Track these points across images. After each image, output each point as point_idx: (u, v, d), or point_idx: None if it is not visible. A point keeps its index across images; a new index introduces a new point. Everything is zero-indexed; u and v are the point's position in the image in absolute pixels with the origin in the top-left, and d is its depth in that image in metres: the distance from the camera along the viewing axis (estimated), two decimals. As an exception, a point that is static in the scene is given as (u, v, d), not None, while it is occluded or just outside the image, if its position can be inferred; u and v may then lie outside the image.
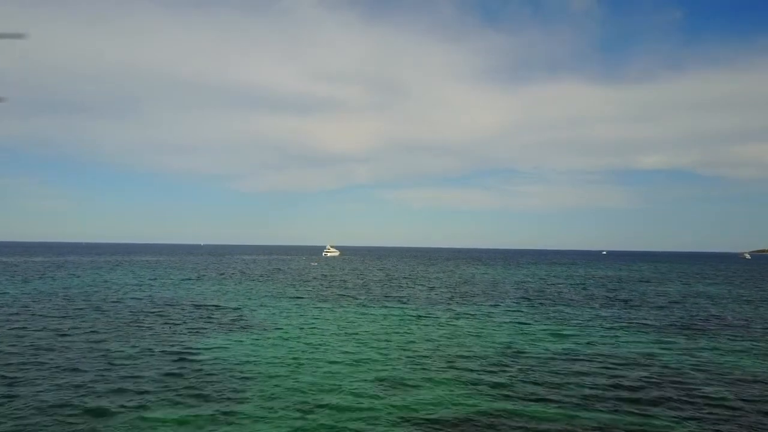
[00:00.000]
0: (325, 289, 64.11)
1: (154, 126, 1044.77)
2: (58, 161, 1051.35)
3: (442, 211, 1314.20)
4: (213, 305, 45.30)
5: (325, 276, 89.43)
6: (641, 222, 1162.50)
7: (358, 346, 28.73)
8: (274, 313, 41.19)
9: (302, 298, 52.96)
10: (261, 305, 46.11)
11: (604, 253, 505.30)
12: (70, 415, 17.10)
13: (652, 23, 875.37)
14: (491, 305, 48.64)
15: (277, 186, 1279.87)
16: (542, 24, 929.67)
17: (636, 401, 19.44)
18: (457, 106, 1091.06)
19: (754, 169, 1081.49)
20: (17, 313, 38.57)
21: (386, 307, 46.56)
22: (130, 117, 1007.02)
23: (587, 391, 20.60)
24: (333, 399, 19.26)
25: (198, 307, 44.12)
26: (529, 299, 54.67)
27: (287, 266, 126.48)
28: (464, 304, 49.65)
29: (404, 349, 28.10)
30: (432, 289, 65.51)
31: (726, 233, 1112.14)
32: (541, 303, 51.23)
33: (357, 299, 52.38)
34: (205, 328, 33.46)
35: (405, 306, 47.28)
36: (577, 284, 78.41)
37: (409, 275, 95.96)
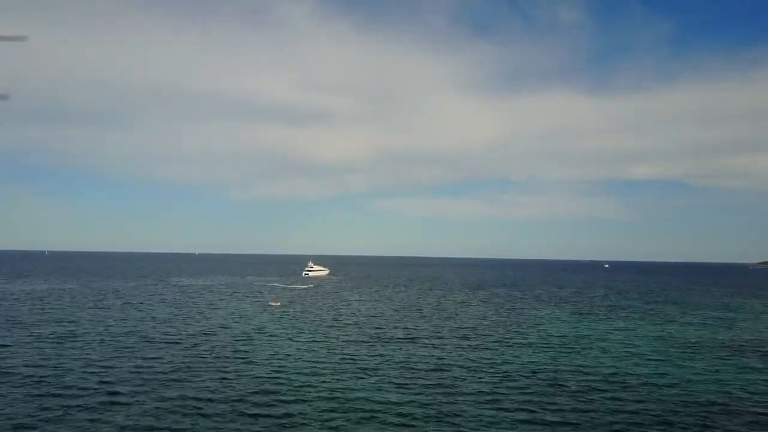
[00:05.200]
0: None
1: (148, 135, 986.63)
2: (53, 169, 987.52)
3: (437, 220, 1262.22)
4: None
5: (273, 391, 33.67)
6: (635, 232, 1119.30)
7: None
8: None
9: None
10: None
11: (606, 266, 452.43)
12: None
13: (642, 35, 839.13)
14: None
15: (271, 195, 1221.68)
16: (534, 36, 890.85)
17: None
18: (451, 116, 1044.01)
19: (746, 180, 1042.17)
20: None
21: None
22: (124, 126, 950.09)
23: None
24: None
25: None
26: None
27: (225, 314, 70.59)
28: None
29: None
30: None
31: (724, 243, 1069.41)
32: None
33: None
34: None
35: None
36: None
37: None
